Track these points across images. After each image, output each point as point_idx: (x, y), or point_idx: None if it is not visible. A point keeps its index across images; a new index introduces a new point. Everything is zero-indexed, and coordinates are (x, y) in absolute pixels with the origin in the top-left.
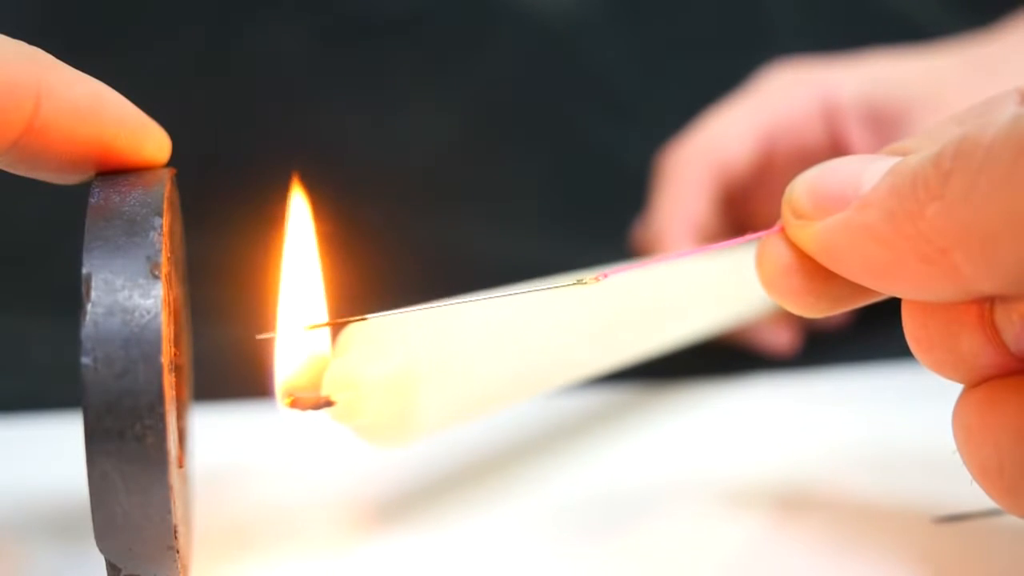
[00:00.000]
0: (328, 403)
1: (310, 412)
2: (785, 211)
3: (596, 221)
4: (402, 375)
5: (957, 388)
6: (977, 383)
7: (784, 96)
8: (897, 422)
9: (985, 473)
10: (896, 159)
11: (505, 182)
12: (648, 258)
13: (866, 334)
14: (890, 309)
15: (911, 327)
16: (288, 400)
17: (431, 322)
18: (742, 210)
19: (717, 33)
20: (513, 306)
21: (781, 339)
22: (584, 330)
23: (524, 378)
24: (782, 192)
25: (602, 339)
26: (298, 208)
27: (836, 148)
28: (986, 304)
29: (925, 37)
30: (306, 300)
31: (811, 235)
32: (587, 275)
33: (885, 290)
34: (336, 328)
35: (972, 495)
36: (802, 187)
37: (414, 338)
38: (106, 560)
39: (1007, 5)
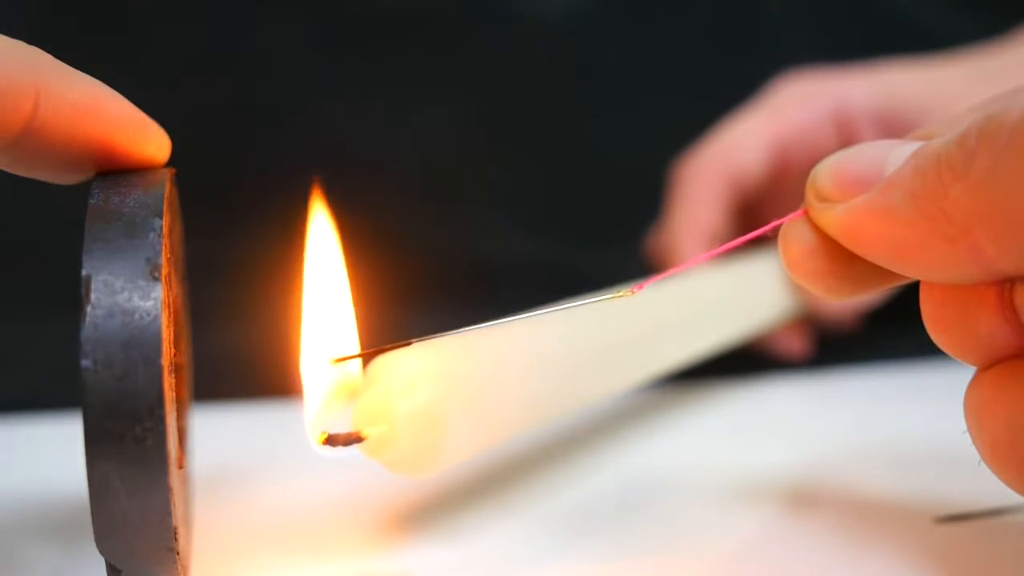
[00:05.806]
0: (359, 439)
1: (341, 448)
2: (809, 194)
3: (598, 220)
4: (432, 408)
5: (964, 389)
6: (991, 365)
7: (797, 105)
8: (903, 423)
9: (995, 449)
10: (920, 143)
11: (507, 183)
12: (677, 267)
13: (876, 337)
14: (899, 313)
15: (929, 308)
16: (322, 438)
17: (456, 347)
18: (756, 219)
19: (719, 34)
20: (535, 327)
21: (795, 345)
22: (607, 350)
23: (548, 402)
24: (795, 201)
25: (625, 358)
26: (319, 220)
27: None
28: (1005, 285)
29: (935, 45)
30: (335, 326)
31: (834, 217)
32: (622, 288)
33: (907, 272)
34: (367, 355)
35: (974, 496)
36: (826, 170)
37: (441, 367)
38: (106, 561)
39: (1020, 14)
